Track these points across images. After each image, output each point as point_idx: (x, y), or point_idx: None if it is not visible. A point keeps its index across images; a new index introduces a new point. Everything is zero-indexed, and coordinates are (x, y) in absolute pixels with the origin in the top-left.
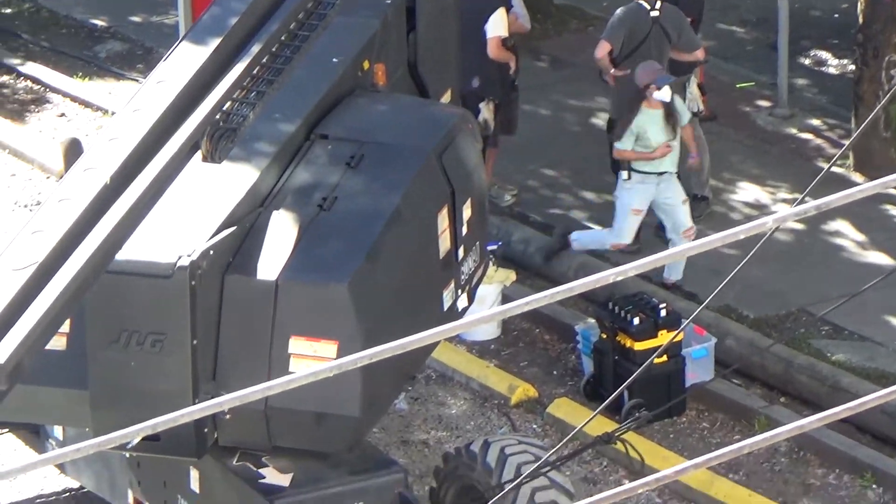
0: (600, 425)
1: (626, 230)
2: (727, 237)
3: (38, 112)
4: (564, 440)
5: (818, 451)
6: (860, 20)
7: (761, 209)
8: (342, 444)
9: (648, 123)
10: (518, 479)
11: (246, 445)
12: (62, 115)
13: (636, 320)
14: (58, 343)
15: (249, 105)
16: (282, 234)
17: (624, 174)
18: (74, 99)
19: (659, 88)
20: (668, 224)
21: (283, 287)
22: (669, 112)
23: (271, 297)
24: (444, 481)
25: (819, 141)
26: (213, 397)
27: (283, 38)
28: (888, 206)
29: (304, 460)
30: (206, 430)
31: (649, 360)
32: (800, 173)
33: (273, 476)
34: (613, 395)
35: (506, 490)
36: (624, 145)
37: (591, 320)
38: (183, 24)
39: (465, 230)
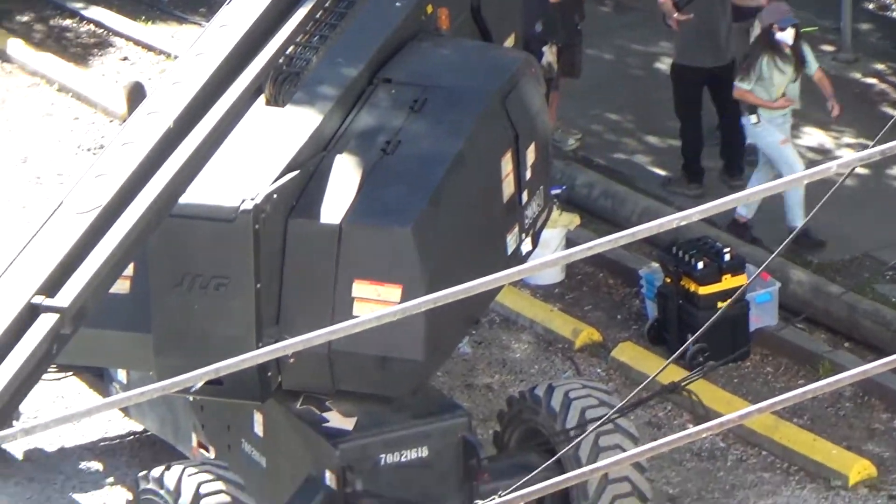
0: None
1: (791, 160)
2: (792, 182)
3: (101, 56)
4: (635, 391)
5: (883, 396)
6: None
7: (825, 154)
8: (406, 387)
9: (772, 65)
10: (593, 427)
11: (310, 389)
12: (125, 58)
13: (700, 265)
14: (121, 287)
15: (313, 49)
16: (345, 177)
17: (753, 118)
18: (137, 42)
19: (782, 30)
20: (771, 164)
21: (347, 231)
22: (793, 54)
23: (335, 241)
24: (508, 425)
25: (883, 86)
26: (276, 341)
27: None
28: None
29: (368, 404)
30: (269, 374)
31: (719, 311)
32: (864, 118)
33: (337, 420)
34: (683, 348)
35: (578, 438)
36: (745, 86)
37: (655, 264)
38: None
39: (528, 174)
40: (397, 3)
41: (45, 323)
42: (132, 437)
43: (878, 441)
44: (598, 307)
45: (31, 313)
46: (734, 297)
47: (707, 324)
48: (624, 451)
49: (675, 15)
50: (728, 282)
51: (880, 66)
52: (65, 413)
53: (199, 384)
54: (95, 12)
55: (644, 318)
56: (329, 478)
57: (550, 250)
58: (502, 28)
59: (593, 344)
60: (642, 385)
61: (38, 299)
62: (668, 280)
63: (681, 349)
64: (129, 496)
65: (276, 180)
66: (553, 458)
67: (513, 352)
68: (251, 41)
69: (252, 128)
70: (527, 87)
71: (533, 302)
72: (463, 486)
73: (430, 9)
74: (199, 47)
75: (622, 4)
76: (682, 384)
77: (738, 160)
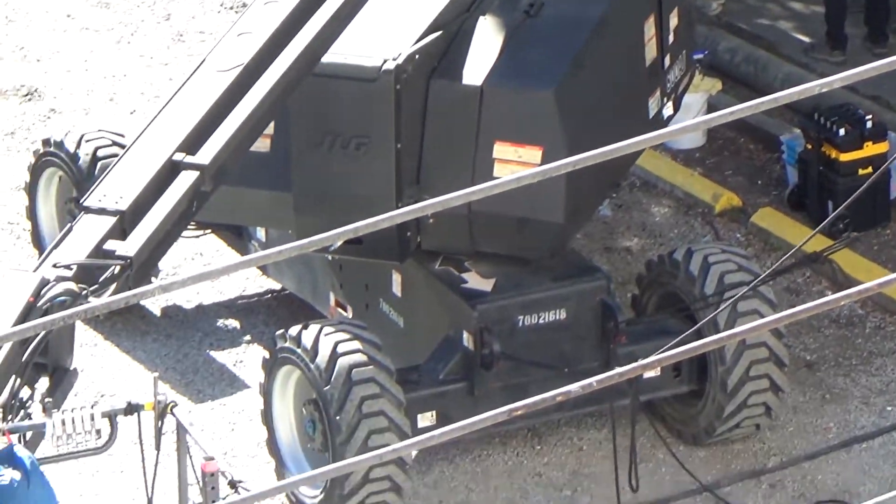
0: (802, 234)
1: None
2: None
3: None
4: (781, 260)
5: None
6: None
7: None
8: (545, 250)
9: None
10: (737, 296)
11: (449, 250)
12: None
13: (842, 131)
14: (262, 145)
15: None
16: (488, 39)
17: None
18: None
19: None
20: None
21: (489, 92)
22: None
23: (476, 103)
24: (646, 289)
25: None
26: (416, 201)
27: None
28: None
29: (507, 266)
30: (409, 234)
31: (865, 183)
32: None
33: (475, 281)
34: (829, 219)
35: (721, 308)
36: None
37: (797, 130)
38: None
39: (671, 38)
40: None
41: (185, 180)
42: (270, 295)
43: None
44: (738, 172)
45: (171, 170)
46: (881, 168)
47: (853, 196)
48: (762, 316)
49: None
50: (869, 149)
51: None
52: (203, 270)
53: (339, 243)
54: None
55: (784, 184)
56: (466, 338)
57: (692, 115)
58: None
59: (733, 209)
60: (788, 254)
61: (179, 156)
62: (810, 146)
63: (827, 220)
64: (266, 354)
65: (418, 41)
66: (694, 328)
67: (652, 215)
68: None
69: None
70: None
71: (673, 166)
72: (600, 349)
73: None
74: None
75: None
76: (825, 254)
77: (883, 27)
